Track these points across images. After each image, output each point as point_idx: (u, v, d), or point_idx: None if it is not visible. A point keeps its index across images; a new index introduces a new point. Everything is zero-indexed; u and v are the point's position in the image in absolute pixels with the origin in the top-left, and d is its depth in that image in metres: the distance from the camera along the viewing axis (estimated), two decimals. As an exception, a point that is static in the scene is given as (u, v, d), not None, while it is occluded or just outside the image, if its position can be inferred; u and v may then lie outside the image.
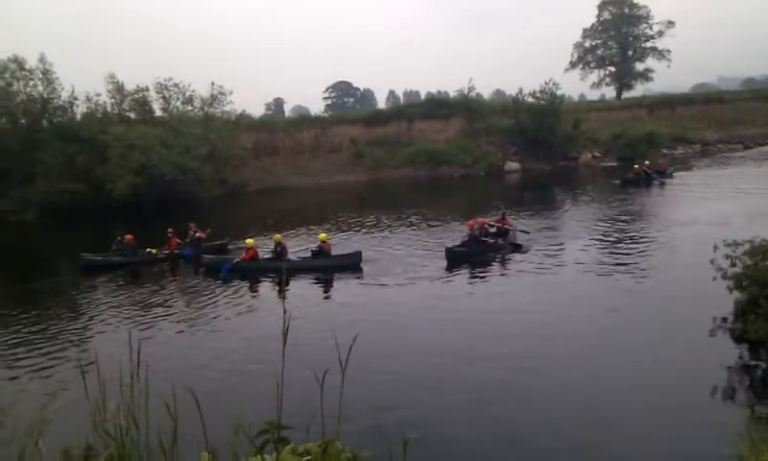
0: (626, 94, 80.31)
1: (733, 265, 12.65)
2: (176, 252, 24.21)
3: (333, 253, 21.60)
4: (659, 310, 14.64)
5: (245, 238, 22.36)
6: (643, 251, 20.90)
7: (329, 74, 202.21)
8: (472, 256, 20.61)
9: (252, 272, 20.91)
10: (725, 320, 13.02)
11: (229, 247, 24.88)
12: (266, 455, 2.49)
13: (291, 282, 19.46)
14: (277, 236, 22.05)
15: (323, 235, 21.76)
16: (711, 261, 12.74)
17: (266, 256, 21.57)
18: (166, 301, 18.41)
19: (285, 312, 2.57)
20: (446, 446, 8.93)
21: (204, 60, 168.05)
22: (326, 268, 20.57)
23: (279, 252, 21.37)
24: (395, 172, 51.30)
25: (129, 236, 23.94)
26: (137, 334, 13.65)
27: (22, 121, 42.52)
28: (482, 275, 19.42)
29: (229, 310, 16.97)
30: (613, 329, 13.70)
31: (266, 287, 19.78)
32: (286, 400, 2.71)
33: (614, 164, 50.48)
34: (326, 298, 18.26)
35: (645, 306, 15.16)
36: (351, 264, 20.63)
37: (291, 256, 21.62)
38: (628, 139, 54.03)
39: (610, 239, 23.25)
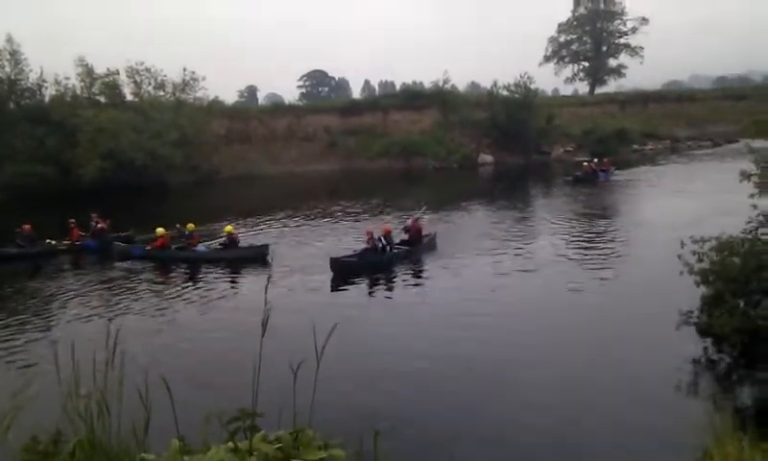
0: (599, 90, 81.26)
1: (700, 261, 12.88)
2: (77, 243, 22.99)
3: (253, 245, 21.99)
4: (624, 305, 14.91)
5: (164, 227, 21.88)
6: (606, 246, 21.24)
7: (304, 63, 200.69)
8: (363, 268, 18.65)
9: (161, 260, 21.02)
10: (690, 314, 13.27)
11: (136, 239, 23.33)
12: (238, 443, 2.51)
13: (202, 270, 19.74)
14: (191, 225, 21.90)
15: (229, 227, 21.86)
16: (678, 256, 12.95)
17: (175, 246, 21.63)
18: (94, 292, 17.84)
19: (267, 303, 2.60)
20: (418, 437, 9.00)
21: (176, 45, 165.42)
22: (234, 259, 20.77)
23: (189, 242, 21.50)
24: (369, 163, 51.26)
25: (26, 226, 22.51)
26: (80, 326, 13.58)
27: (-12, 102, 41.64)
28: (425, 276, 18.94)
29: (155, 299, 16.94)
30: (579, 324, 13.88)
31: (208, 278, 19.29)
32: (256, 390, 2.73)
33: (587, 159, 50.99)
34: (289, 289, 18.09)
35: (610, 301, 15.40)
36: (258, 256, 20.93)
37: (200, 247, 21.68)
38: (599, 135, 54.59)
39: (572, 235, 23.44)
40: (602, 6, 79.44)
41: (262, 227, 26.95)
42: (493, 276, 17.85)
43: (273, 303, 2.66)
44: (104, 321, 14.47)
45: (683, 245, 13.00)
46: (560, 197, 33.89)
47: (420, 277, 18.61)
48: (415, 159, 51.70)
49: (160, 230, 21.44)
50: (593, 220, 26.12)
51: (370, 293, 17.33)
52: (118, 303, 16.44)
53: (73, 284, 18.65)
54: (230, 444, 2.48)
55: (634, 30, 79.05)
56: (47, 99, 44.48)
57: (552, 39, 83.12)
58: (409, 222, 21.76)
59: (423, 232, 21.47)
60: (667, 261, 13.90)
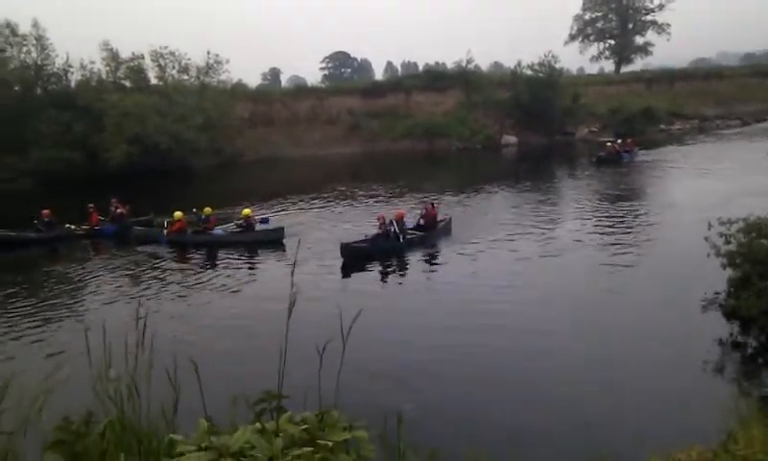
0: (625, 68, 79.94)
1: (728, 243, 12.73)
2: (96, 228, 23.11)
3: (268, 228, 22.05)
4: (650, 286, 14.77)
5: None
6: (631, 229, 21.02)
7: (327, 44, 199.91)
8: (375, 253, 18.38)
9: (179, 244, 21.24)
10: (717, 297, 13.14)
11: (155, 223, 23.24)
12: (264, 423, 2.56)
13: (221, 254, 19.96)
14: (208, 209, 22.02)
15: (246, 211, 22.01)
16: (705, 238, 12.81)
17: (192, 230, 21.83)
18: (115, 276, 18.13)
19: (293, 286, 2.65)
20: (442, 422, 9.05)
21: (200, 29, 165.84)
22: (251, 242, 21.01)
23: (206, 225, 21.68)
24: (392, 144, 51.11)
25: (45, 211, 22.60)
26: (110, 311, 13.75)
27: (16, 88, 42.12)
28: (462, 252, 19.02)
29: (191, 282, 17.12)
30: (605, 306, 13.83)
31: (226, 262, 19.44)
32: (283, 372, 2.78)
33: (612, 139, 50.37)
34: (319, 274, 18.19)
35: (637, 283, 15.29)
36: (275, 239, 21.18)
37: (218, 230, 21.91)
38: (625, 114, 53.84)
39: (595, 217, 23.23)
40: (628, -18, 78.01)
41: (284, 210, 27.06)
42: (513, 261, 17.70)
43: (297, 287, 2.70)
44: (125, 305, 14.73)
45: (710, 227, 12.87)
46: (583, 178, 33.65)
47: (435, 262, 18.49)
48: (438, 141, 51.44)
49: (178, 214, 21.62)
50: (617, 202, 25.88)
51: (382, 279, 17.32)
52: (139, 288, 16.66)
53: (92, 269, 18.87)
54: (257, 424, 2.54)
55: (660, 7, 77.48)
56: (73, 84, 44.87)
57: (577, 17, 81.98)
58: (424, 207, 21.32)
59: (439, 217, 21.12)
60: (693, 243, 13.80)
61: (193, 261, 19.78)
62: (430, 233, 20.28)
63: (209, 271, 18.27)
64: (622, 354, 11.14)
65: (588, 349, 11.44)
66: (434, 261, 18.61)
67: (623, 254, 17.88)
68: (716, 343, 11.37)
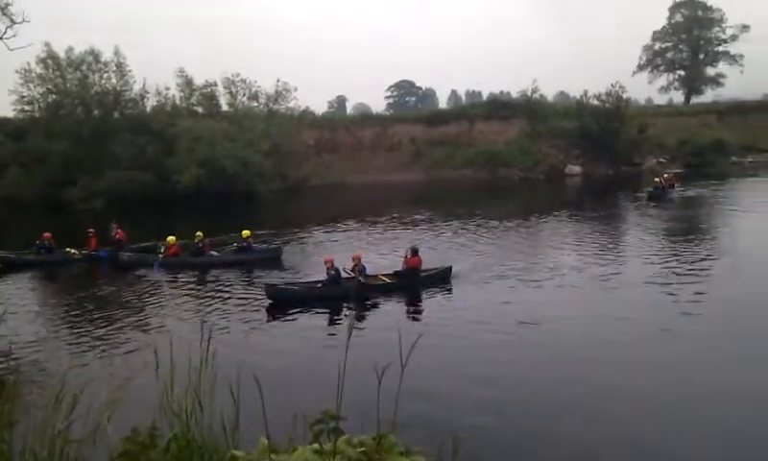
0: (695, 99, 77.92)
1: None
2: (93, 252, 23.21)
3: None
4: (723, 323, 14.11)
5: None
6: (699, 263, 19.95)
7: (393, 72, 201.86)
8: (313, 298, 16.39)
9: (176, 268, 21.42)
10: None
11: (156, 248, 22.93)
12: (323, 444, 2.59)
13: (222, 275, 20.16)
14: (199, 233, 22.22)
15: (246, 232, 22.26)
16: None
17: (190, 253, 22.13)
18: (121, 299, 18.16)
19: (352, 310, 2.70)
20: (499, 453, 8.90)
21: (270, 57, 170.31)
22: (250, 262, 21.44)
23: (201, 248, 21.97)
24: (453, 172, 51.18)
25: (47, 234, 22.87)
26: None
27: (95, 112, 44.19)
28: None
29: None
30: (676, 341, 13.30)
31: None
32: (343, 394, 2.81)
33: (681, 171, 49.06)
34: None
35: (709, 320, 14.60)
36: (272, 258, 21.83)
37: (213, 252, 22.28)
38: (695, 146, 52.44)
39: (662, 251, 22.10)
40: (699, 13, 76.24)
41: (342, 235, 27.37)
42: (555, 294, 17.18)
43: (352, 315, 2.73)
44: (180, 323, 14.99)
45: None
46: (637, 212, 32.61)
47: (414, 306, 16.85)
48: (500, 170, 51.21)
49: (171, 239, 22.02)
50: (673, 237, 24.93)
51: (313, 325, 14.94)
52: (185, 308, 16.90)
53: (88, 294, 18.90)
54: (315, 445, 2.57)
55: (734, 37, 75.42)
56: (148, 109, 46.75)
57: (647, 47, 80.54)
58: (406, 253, 18.54)
59: (432, 266, 18.79)
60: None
61: (210, 283, 19.79)
62: (405, 282, 17.94)
63: (232, 292, 18.31)
64: (689, 391, 10.57)
65: (666, 391, 10.82)
66: (415, 307, 16.88)
67: (690, 290, 16.89)
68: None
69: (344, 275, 17.15)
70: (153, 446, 3.11)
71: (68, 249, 23.34)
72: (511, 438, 9.39)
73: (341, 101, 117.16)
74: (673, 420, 9.72)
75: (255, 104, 48.56)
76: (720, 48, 77.18)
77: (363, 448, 2.59)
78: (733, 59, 76.32)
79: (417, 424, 8.34)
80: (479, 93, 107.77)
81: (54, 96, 43.98)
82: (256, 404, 2.88)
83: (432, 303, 17.06)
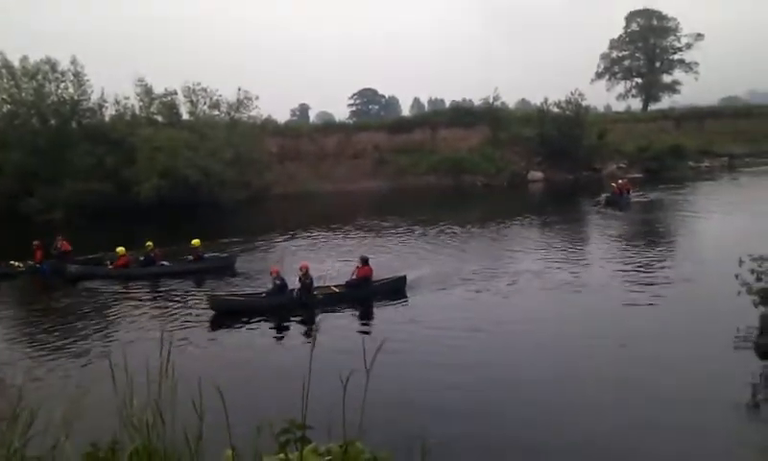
0: (652, 106, 79.68)
1: (759, 280, 12.51)
2: (37, 265, 23.00)
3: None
4: (680, 324, 14.49)
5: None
6: (657, 266, 20.59)
7: (356, 84, 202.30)
8: (255, 309, 16.57)
9: (127, 279, 21.32)
10: (749, 335, 12.85)
11: (104, 261, 22.90)
12: (289, 454, 2.55)
13: (174, 285, 20.20)
14: (149, 243, 22.22)
15: (196, 241, 22.22)
16: (736, 276, 12.60)
17: (140, 263, 22.05)
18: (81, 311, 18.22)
19: (316, 318, 2.66)
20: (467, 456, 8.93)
21: (230, 66, 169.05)
22: (203, 271, 21.47)
23: (152, 258, 21.94)
24: (417, 179, 51.29)
25: None
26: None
27: (52, 122, 43.15)
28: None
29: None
30: (635, 342, 13.56)
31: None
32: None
33: (640, 175, 50.05)
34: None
35: (666, 321, 15.00)
36: (225, 266, 21.89)
37: (165, 262, 22.22)
38: (654, 152, 53.63)
39: (622, 255, 22.91)
40: (655, 22, 78.05)
41: (305, 243, 27.46)
42: (510, 299, 17.68)
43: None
44: (132, 335, 14.90)
45: (741, 263, 12.67)
46: (589, 217, 33.56)
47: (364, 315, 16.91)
48: (464, 176, 51.54)
49: (120, 250, 21.95)
50: (635, 240, 25.79)
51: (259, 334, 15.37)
52: (139, 318, 16.90)
53: (37, 307, 19.20)
54: (281, 455, 2.53)
55: (688, 46, 77.39)
56: (107, 118, 45.87)
57: (604, 55, 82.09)
58: (357, 264, 18.52)
59: (389, 275, 18.92)
60: (723, 281, 13.55)
61: (161, 293, 19.88)
62: (354, 292, 17.78)
63: (182, 301, 18.42)
64: (653, 393, 10.87)
65: (617, 386, 11.22)
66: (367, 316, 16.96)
67: (649, 291, 17.54)
68: (749, 383, 11.06)
69: (291, 286, 17.15)
70: (114, 460, 3.03)
71: (12, 261, 22.96)
72: (476, 442, 9.44)
73: (303, 109, 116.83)
74: (627, 423, 9.92)
75: (217, 112, 48.01)
76: (675, 56, 79.11)
77: (330, 458, 2.56)
78: (688, 66, 78.25)
79: (382, 429, 8.31)
80: (441, 101, 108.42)
81: (8, 106, 42.89)
82: (219, 416, 2.82)
83: (385, 311, 17.19)
